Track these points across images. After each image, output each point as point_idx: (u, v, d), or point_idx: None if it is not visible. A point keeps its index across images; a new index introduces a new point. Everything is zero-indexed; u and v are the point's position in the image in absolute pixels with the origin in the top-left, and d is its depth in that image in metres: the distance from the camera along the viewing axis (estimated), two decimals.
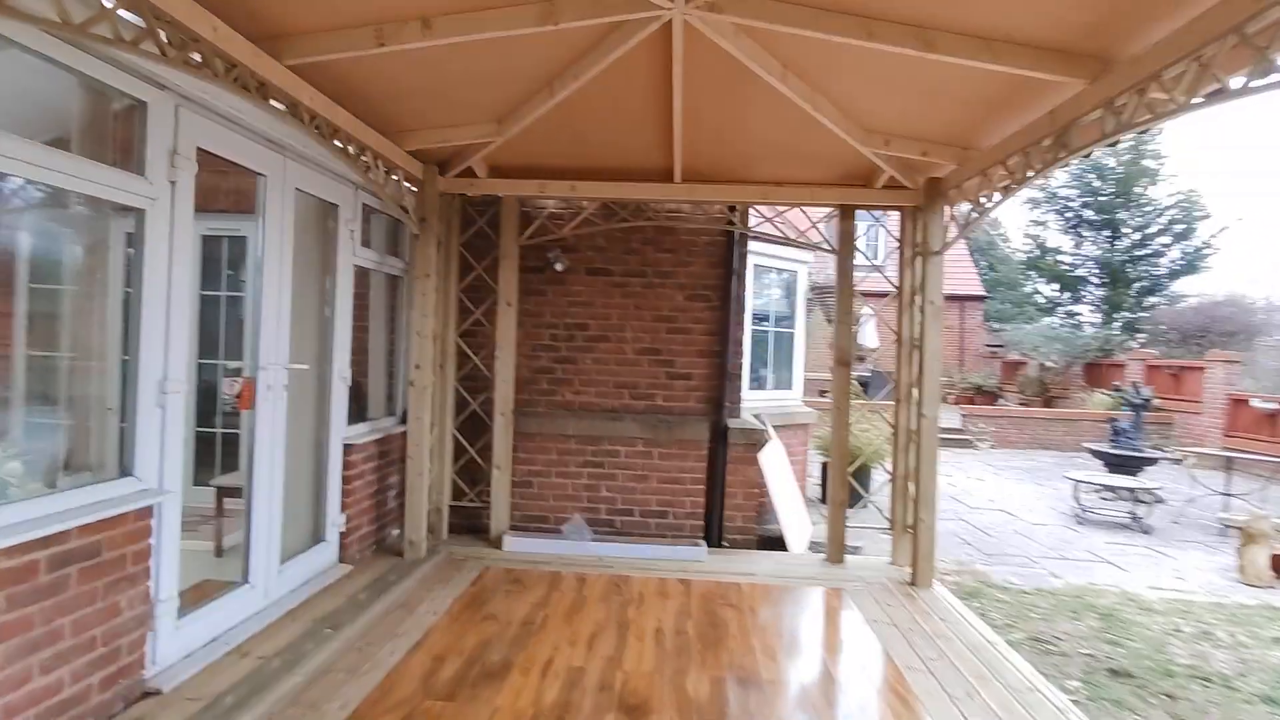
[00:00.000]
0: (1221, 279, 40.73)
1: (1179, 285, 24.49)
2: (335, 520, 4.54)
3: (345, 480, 4.59)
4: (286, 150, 3.82)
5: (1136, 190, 24.59)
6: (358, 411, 4.91)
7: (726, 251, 5.65)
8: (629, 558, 5.13)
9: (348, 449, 4.60)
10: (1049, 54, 2.95)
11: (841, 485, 5.15)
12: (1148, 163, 24.63)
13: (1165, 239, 24.51)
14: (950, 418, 15.21)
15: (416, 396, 4.90)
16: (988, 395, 18.58)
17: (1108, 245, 25.58)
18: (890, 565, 5.13)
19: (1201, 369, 14.96)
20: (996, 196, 3.98)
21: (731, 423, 5.64)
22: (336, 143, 3.73)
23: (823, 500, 7.94)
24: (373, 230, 5.06)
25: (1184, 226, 24.12)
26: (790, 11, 2.92)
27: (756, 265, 7.04)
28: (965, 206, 4.48)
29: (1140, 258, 24.83)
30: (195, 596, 3.46)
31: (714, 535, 5.58)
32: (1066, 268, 26.82)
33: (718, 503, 5.62)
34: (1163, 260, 24.69)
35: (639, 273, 5.69)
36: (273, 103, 3.14)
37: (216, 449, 5.55)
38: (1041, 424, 15.92)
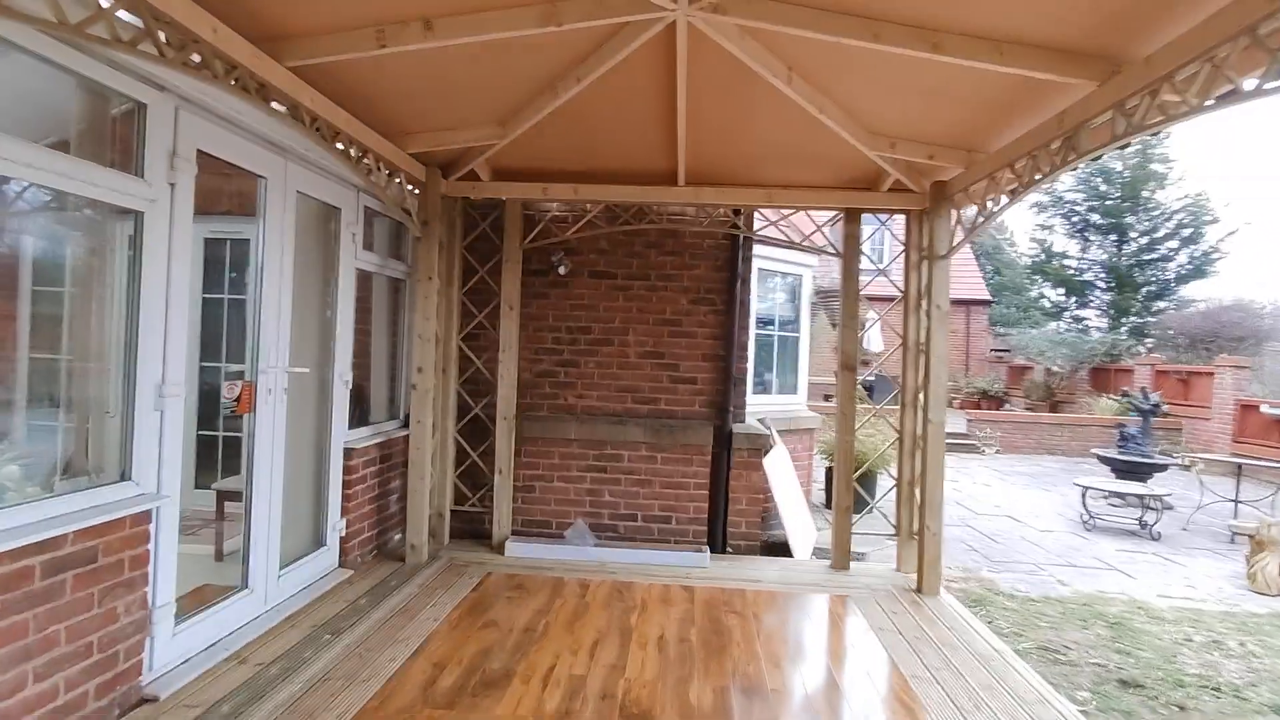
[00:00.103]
0: (1230, 283, 40.58)
1: (1187, 290, 24.38)
2: (336, 525, 4.51)
3: (346, 484, 4.57)
4: (288, 153, 3.80)
5: (1144, 194, 24.47)
6: (359, 415, 4.88)
7: (730, 255, 5.61)
8: (632, 563, 5.09)
9: (349, 453, 4.57)
10: (1058, 55, 2.91)
11: (847, 491, 5.10)
12: (1155, 166, 24.52)
13: (1173, 243, 24.41)
14: (955, 422, 15.12)
15: (418, 400, 4.87)
16: (993, 400, 18.48)
17: (1114, 249, 25.47)
18: (896, 572, 5.08)
19: (1210, 374, 14.84)
20: (1004, 200, 3.93)
21: (736, 427, 5.60)
22: (338, 145, 3.71)
23: (827, 506, 7.88)
24: (375, 233, 5.04)
25: (1192, 230, 23.99)
26: (795, 13, 2.89)
27: (761, 269, 7.00)
28: (972, 210, 4.44)
29: (1148, 262, 24.73)
30: (194, 601, 3.43)
31: (718, 541, 5.54)
32: (1073, 272, 26.70)
33: (721, 508, 5.57)
34: (1170, 264, 24.57)
35: (642, 276, 5.66)
36: (273, 104, 3.12)
37: (218, 452, 5.53)
38: (1048, 429, 15.82)
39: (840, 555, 5.10)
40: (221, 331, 5.66)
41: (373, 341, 5.19)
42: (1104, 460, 10.96)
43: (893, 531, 5.24)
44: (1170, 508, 9.11)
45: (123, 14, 2.33)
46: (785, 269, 7.50)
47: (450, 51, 3.28)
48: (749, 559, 5.40)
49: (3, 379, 2.88)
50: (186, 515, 3.18)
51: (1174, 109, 2.57)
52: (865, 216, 5.19)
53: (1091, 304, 26.59)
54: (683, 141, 4.26)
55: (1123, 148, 2.97)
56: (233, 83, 2.79)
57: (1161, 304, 24.35)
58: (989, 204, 4.08)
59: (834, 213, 5.34)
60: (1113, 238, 25.49)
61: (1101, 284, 26.04)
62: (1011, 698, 3.28)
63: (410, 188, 4.79)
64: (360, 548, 4.77)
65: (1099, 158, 3.33)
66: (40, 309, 3.01)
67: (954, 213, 4.66)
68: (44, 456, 2.87)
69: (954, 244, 4.62)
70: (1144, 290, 24.73)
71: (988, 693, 3.32)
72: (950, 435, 4.82)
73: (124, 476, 2.86)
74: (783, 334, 7.67)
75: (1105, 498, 9.33)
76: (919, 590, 4.66)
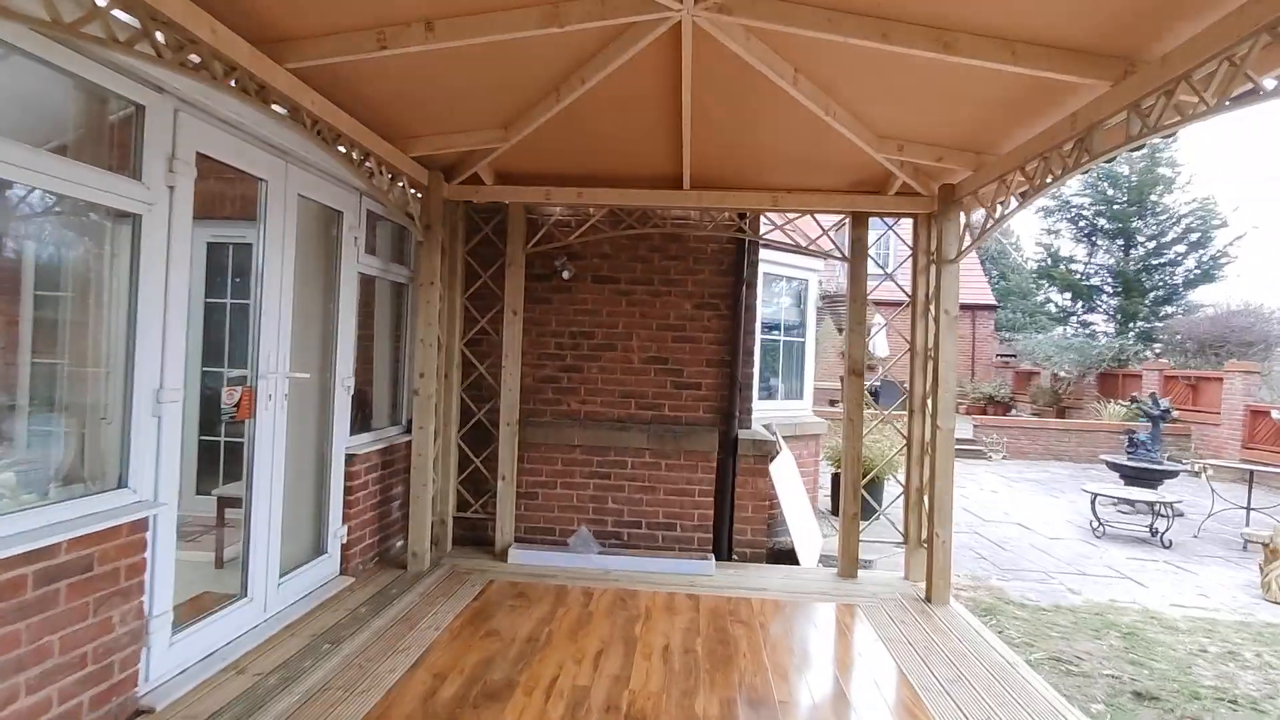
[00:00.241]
0: (1238, 288, 40.32)
1: (1195, 294, 24.17)
2: (337, 532, 4.46)
3: (348, 491, 4.52)
4: (289, 156, 3.76)
5: (1151, 198, 24.33)
6: (361, 421, 4.84)
7: (736, 259, 5.56)
8: (636, 571, 5.03)
9: (350, 459, 4.53)
10: (1071, 54, 2.85)
11: (854, 497, 5.03)
12: (1163, 170, 24.37)
13: (1181, 247, 24.22)
14: (962, 428, 15.01)
15: (421, 405, 4.83)
16: (1000, 405, 18.35)
17: (1122, 254, 25.32)
18: (904, 580, 5.00)
19: (1219, 379, 14.71)
20: (1014, 203, 3.87)
21: (741, 433, 5.54)
22: (339, 148, 3.68)
23: (833, 513, 7.79)
24: (377, 237, 5.00)
25: (1200, 234, 23.81)
26: (802, 13, 2.84)
27: (766, 273, 6.95)
28: (980, 213, 4.37)
29: (1155, 266, 24.55)
30: (193, 609, 3.39)
31: (723, 548, 5.47)
32: (1080, 276, 26.55)
33: (727, 515, 5.50)
34: (1178, 269, 24.38)
35: (646, 280, 5.61)
36: (274, 107, 3.09)
37: (220, 458, 5.50)
38: (1055, 435, 15.70)
39: (848, 563, 5.03)
40: (224, 337, 5.64)
41: (375, 346, 5.15)
42: (1113, 466, 10.84)
43: (900, 539, 5.17)
44: (1181, 515, 8.99)
45: (120, 14, 2.30)
46: (791, 273, 7.45)
47: (453, 53, 3.24)
48: (755, 566, 5.33)
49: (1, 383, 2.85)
50: (187, 522, 3.14)
51: (1190, 109, 2.51)
52: (872, 220, 5.14)
53: (1099, 309, 26.41)
54: (688, 144, 4.21)
55: (1137, 149, 2.91)
56: (232, 84, 2.76)
57: (1169, 309, 24.15)
58: (998, 207, 4.02)
59: (840, 217, 5.28)
60: (1120, 242, 25.33)
61: (1109, 289, 25.86)
62: (1025, 711, 3.20)
63: (413, 191, 4.75)
64: (361, 555, 4.72)
65: (1111, 160, 3.27)
66: (37, 313, 2.97)
67: (962, 216, 4.60)
68: (40, 463, 2.84)
69: (962, 248, 4.55)
70: (1152, 295, 24.55)
71: (1001, 706, 3.24)
72: (956, 440, 4.75)
73: (121, 483, 2.82)
74: (788, 339, 7.61)
75: (1115, 504, 9.22)
76: (928, 599, 4.59)
